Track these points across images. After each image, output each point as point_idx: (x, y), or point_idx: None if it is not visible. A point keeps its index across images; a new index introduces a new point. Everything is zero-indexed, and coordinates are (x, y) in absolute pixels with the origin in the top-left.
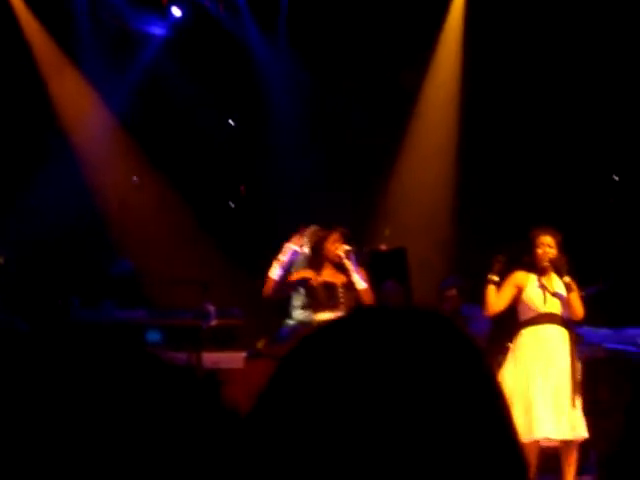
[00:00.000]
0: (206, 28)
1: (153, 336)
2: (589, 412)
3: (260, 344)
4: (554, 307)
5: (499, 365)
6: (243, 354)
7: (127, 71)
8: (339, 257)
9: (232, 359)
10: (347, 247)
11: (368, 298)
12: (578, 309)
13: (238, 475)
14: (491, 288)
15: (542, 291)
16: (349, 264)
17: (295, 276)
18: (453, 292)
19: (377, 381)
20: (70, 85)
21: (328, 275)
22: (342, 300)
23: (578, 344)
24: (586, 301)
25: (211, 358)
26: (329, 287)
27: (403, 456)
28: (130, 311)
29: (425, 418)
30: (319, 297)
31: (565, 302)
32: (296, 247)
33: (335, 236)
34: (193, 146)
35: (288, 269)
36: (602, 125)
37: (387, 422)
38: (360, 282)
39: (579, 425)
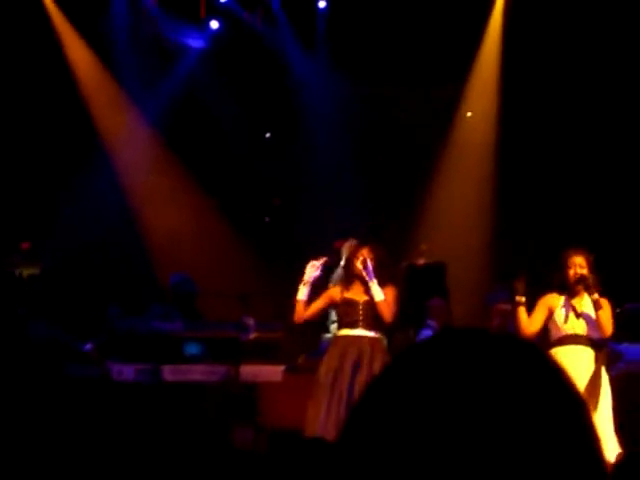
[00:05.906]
0: (243, 41)
1: (192, 348)
2: (630, 428)
3: (301, 360)
4: (579, 328)
5: None
6: (282, 368)
7: (164, 83)
8: (359, 270)
9: (271, 372)
10: (364, 258)
11: (386, 311)
12: (606, 327)
13: None
14: (521, 310)
15: (567, 312)
16: (365, 274)
17: (321, 300)
18: (504, 307)
19: (467, 404)
20: (108, 97)
21: (355, 292)
22: (362, 317)
23: (616, 362)
24: (624, 318)
25: (249, 371)
26: (350, 304)
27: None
28: (169, 323)
29: (516, 442)
30: (339, 313)
31: (593, 321)
32: (316, 264)
33: (364, 251)
34: (228, 158)
35: (313, 286)
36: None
37: (476, 444)
38: (379, 294)
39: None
